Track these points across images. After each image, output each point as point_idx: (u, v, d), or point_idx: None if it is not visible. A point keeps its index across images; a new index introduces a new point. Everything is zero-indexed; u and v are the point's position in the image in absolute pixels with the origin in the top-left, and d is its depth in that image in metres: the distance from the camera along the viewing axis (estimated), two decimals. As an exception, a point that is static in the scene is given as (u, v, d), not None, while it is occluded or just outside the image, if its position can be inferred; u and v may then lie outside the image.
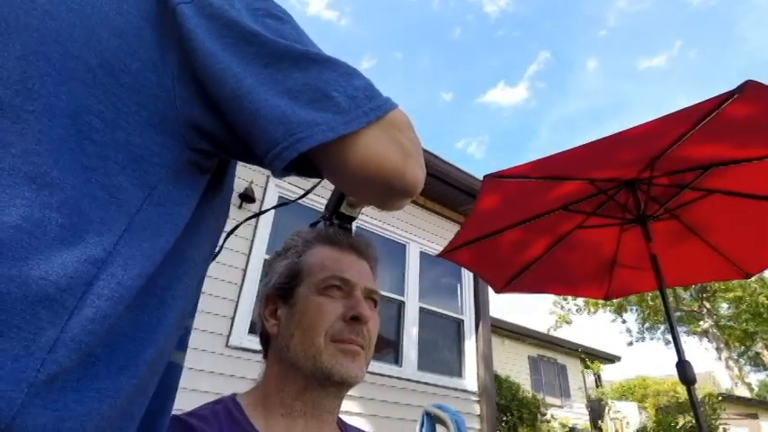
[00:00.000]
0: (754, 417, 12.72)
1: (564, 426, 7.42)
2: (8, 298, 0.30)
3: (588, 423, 11.27)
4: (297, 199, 0.84)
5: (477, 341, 5.13)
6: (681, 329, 18.15)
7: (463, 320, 5.20)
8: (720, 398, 6.60)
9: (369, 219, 4.71)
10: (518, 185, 2.36)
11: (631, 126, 1.83)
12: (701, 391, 9.20)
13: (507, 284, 3.09)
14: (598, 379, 13.32)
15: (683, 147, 2.08)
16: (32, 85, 0.35)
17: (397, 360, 4.44)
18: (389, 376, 4.22)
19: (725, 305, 17.67)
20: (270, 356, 0.72)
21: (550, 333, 14.29)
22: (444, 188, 5.28)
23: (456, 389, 4.72)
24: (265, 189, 4.12)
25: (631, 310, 19.21)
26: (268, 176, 4.18)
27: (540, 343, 12.13)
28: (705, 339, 18.44)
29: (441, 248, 2.91)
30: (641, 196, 2.43)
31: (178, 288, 0.43)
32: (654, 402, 10.62)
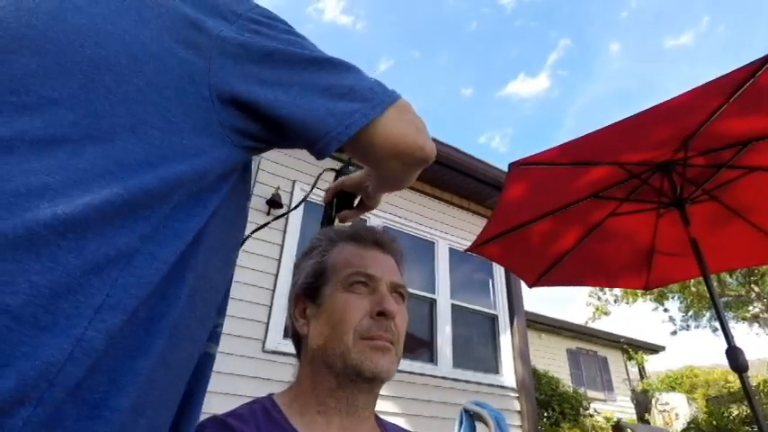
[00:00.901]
0: (815, 404, 12.03)
1: (609, 420, 7.20)
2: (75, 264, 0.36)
3: (634, 417, 10.91)
4: (306, 195, 0.97)
5: (512, 336, 5.05)
6: (728, 316, 17.31)
7: (497, 316, 5.13)
8: (776, 386, 6.27)
9: (395, 217, 4.71)
10: (545, 173, 2.29)
11: (661, 102, 1.75)
12: (754, 378, 8.76)
13: (540, 278, 3.02)
14: (642, 370, 12.88)
15: (718, 122, 1.97)
16: (96, 107, 0.42)
17: (431, 358, 4.42)
18: (425, 375, 4.20)
19: (775, 288, 16.75)
20: (302, 356, 0.73)
21: (588, 325, 13.90)
22: (469, 182, 5.23)
23: (493, 385, 4.66)
24: (291, 194, 4.19)
25: (673, 297, 18.42)
26: (294, 182, 4.24)
27: (578, 335, 11.84)
28: (756, 325, 17.53)
29: (469, 243, 2.87)
30: (677, 179, 2.33)
31: (196, 267, 0.47)
32: (704, 393, 10.20)
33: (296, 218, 4.12)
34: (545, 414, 6.23)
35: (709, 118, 1.95)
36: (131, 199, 0.40)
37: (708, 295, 17.02)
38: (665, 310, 18.79)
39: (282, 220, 4.04)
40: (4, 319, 0.33)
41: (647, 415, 10.21)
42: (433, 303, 4.66)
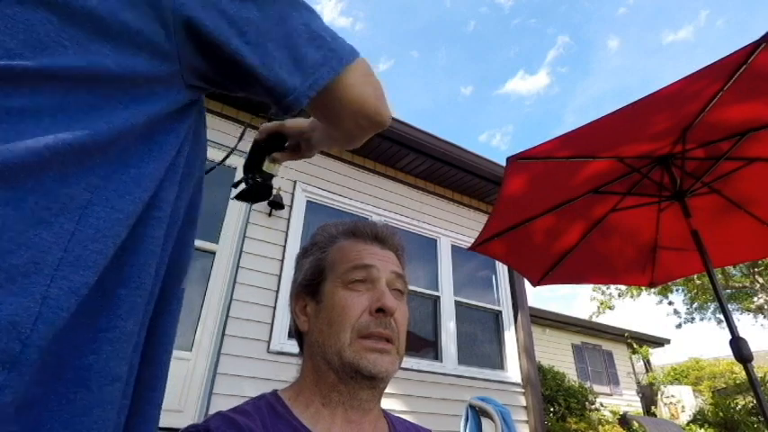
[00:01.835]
0: (822, 394, 12.00)
1: (615, 413, 7.20)
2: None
3: (640, 410, 10.90)
4: (223, 159, 0.84)
5: (516, 332, 5.06)
6: (733, 307, 17.21)
7: (501, 312, 5.14)
8: (782, 376, 6.26)
9: (397, 215, 4.72)
10: (544, 167, 2.27)
11: (657, 89, 1.73)
12: (759, 369, 8.74)
13: (544, 277, 3.01)
14: (647, 364, 12.86)
15: (715, 111, 1.96)
16: (39, 33, 0.38)
17: (436, 356, 4.43)
18: (430, 372, 4.21)
19: (779, 278, 16.66)
20: (304, 352, 0.73)
21: (593, 319, 13.88)
22: (470, 179, 5.23)
23: (499, 381, 4.67)
24: (293, 195, 4.20)
25: (677, 290, 18.35)
26: (295, 182, 4.25)
27: (582, 330, 11.82)
28: (761, 316, 17.46)
29: (472, 240, 2.86)
30: (676, 172, 2.33)
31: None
32: (709, 385, 10.18)
33: (298, 218, 4.14)
34: (551, 409, 6.23)
35: (706, 106, 1.94)
36: (77, 146, 0.36)
37: (711, 287, 16.91)
38: (670, 303, 18.71)
39: (284, 221, 4.05)
40: None
41: (653, 408, 10.20)
42: (436, 301, 4.67)
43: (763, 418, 5.03)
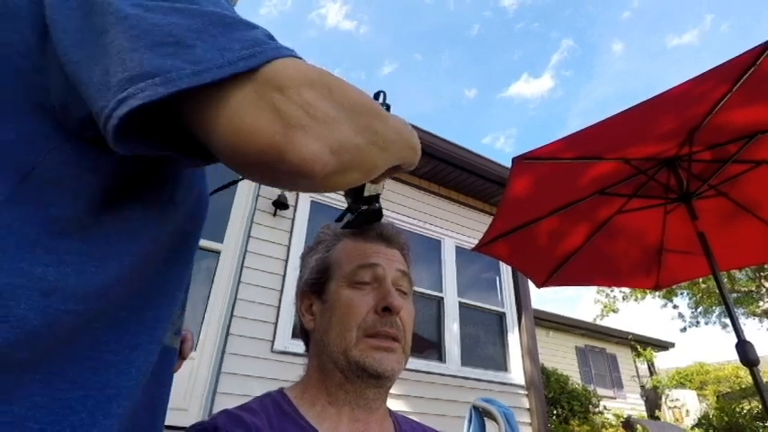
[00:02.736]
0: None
1: (618, 417, 7.16)
2: None
3: (644, 414, 10.84)
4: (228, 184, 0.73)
5: (520, 334, 5.04)
6: (738, 311, 17.06)
7: (505, 313, 5.12)
8: (788, 381, 6.20)
9: (401, 216, 4.72)
10: (549, 168, 2.26)
11: (664, 90, 1.73)
12: (765, 373, 8.66)
13: (549, 278, 3.00)
14: (651, 367, 12.79)
15: (723, 113, 1.95)
16: None
17: (440, 357, 4.43)
18: (433, 373, 4.21)
19: (786, 283, 16.52)
20: (310, 350, 0.73)
21: (596, 322, 13.82)
22: (474, 180, 5.23)
23: (502, 383, 4.66)
24: (297, 195, 4.21)
25: (682, 294, 18.23)
26: (300, 183, 4.25)
27: (586, 333, 11.78)
28: (766, 320, 17.32)
29: (476, 242, 2.86)
30: (683, 174, 2.32)
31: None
32: (714, 389, 10.12)
33: (302, 218, 4.15)
34: (554, 412, 6.21)
35: (713, 109, 1.93)
36: None
37: (717, 291, 16.84)
38: (675, 306, 18.57)
39: (288, 221, 4.06)
40: None
41: (657, 412, 10.15)
42: (440, 302, 4.67)
43: (768, 423, 5.00)
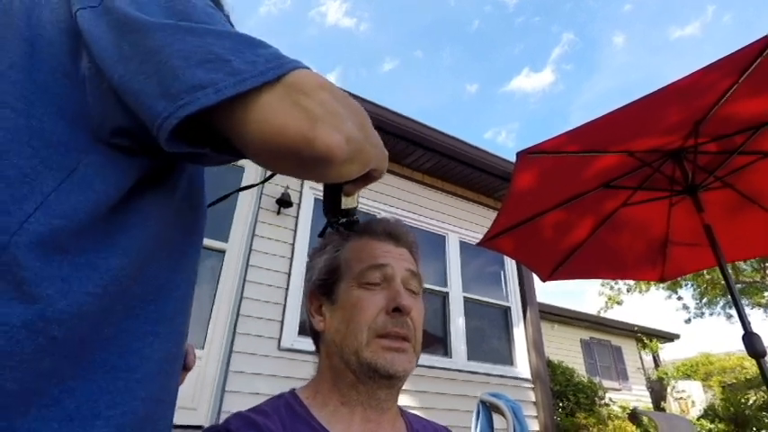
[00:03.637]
0: (835, 389, 11.85)
1: (624, 408, 7.18)
2: None
3: (650, 405, 10.86)
4: (256, 184, 0.79)
5: (525, 327, 5.05)
6: (743, 302, 17.01)
7: (510, 308, 5.13)
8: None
9: (404, 212, 4.72)
10: (554, 161, 2.25)
11: (669, 82, 1.72)
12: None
13: (554, 272, 3.00)
14: (656, 359, 12.79)
15: (728, 105, 1.93)
16: None
17: (446, 352, 4.44)
18: (439, 368, 4.23)
19: (791, 273, 16.47)
20: (321, 351, 0.73)
21: (601, 315, 13.82)
22: (477, 174, 5.22)
23: (508, 377, 4.67)
24: (301, 193, 4.21)
25: (686, 285, 18.19)
26: (302, 180, 4.26)
27: (591, 325, 11.78)
28: (772, 311, 17.27)
29: (480, 236, 2.86)
30: (688, 166, 2.31)
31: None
32: (719, 380, 10.11)
33: (306, 216, 4.15)
34: (560, 404, 6.23)
35: (719, 100, 1.92)
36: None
37: (722, 282, 16.81)
38: (679, 298, 18.51)
39: (293, 219, 4.07)
40: None
41: (662, 403, 10.16)
42: (445, 297, 4.68)
43: (775, 413, 5.00)
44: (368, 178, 0.65)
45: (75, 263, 0.39)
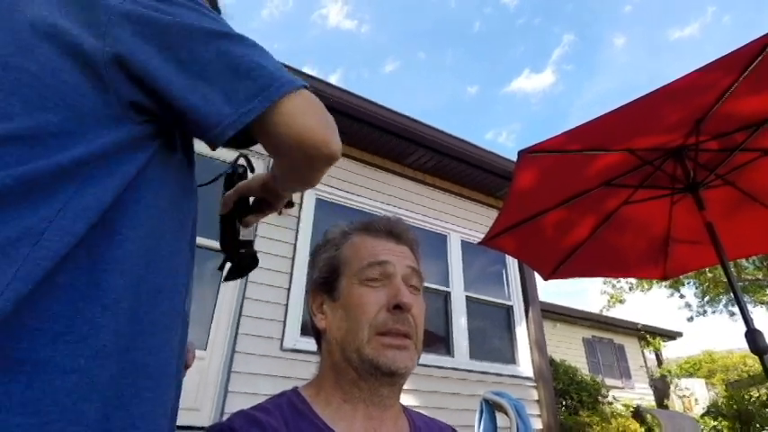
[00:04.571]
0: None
1: (628, 407, 7.17)
2: None
3: (653, 403, 10.85)
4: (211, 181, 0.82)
5: (528, 326, 5.05)
6: (745, 299, 16.91)
7: (512, 306, 5.13)
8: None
9: (406, 211, 4.72)
10: (555, 160, 2.26)
11: (669, 81, 1.72)
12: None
13: (555, 270, 3.00)
14: (659, 357, 12.78)
15: (729, 102, 1.94)
16: None
17: (448, 351, 4.45)
18: (442, 367, 4.23)
19: (793, 270, 16.45)
20: (323, 349, 0.73)
21: (603, 313, 13.80)
22: (478, 173, 5.22)
23: (511, 375, 4.67)
24: (303, 193, 4.22)
25: (689, 283, 18.17)
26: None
27: (593, 324, 11.78)
28: (774, 308, 17.24)
29: (481, 236, 2.86)
30: (689, 164, 2.31)
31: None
32: (722, 377, 10.11)
33: (308, 216, 4.16)
34: (563, 403, 6.23)
35: (720, 98, 1.92)
36: (18, 185, 0.41)
37: (724, 280, 16.79)
38: (681, 296, 18.50)
39: (294, 219, 4.08)
40: None
41: (666, 401, 10.16)
42: (447, 296, 4.68)
43: (778, 411, 5.00)
44: (268, 208, 0.77)
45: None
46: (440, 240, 4.95)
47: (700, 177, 2.32)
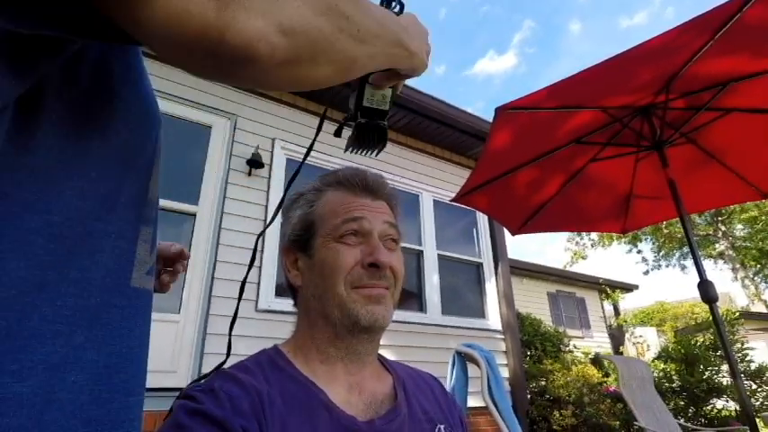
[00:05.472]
0: (772, 330, 12.98)
1: (587, 354, 7.67)
2: None
3: (610, 350, 11.63)
4: None
5: (497, 282, 5.23)
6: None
7: (482, 263, 5.28)
8: (738, 314, 6.74)
9: (379, 172, 4.68)
10: (530, 118, 2.28)
11: (645, 40, 1.73)
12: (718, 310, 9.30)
13: (523, 225, 3.09)
14: (617, 308, 13.59)
15: (701, 62, 1.98)
16: None
17: (421, 307, 4.57)
18: (415, 323, 4.36)
19: (740, 226, 17.59)
20: (299, 307, 0.72)
21: (567, 269, 14.45)
22: (451, 132, 5.20)
23: (481, 329, 4.87)
24: (272, 153, 4.11)
25: (646, 240, 19.23)
26: (273, 140, 4.15)
27: (558, 279, 12.31)
28: (721, 261, 18.52)
29: (453, 195, 2.89)
30: (656, 122, 2.37)
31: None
32: (672, 325, 10.88)
33: (278, 177, 4.08)
34: (528, 352, 6.59)
35: (692, 58, 1.95)
36: None
37: (678, 236, 17.78)
38: (639, 251, 19.65)
39: (265, 180, 3.99)
40: None
41: (621, 348, 10.90)
42: (419, 255, 4.76)
43: (719, 353, 5.46)
44: (394, 75, 0.55)
45: None
46: (412, 200, 4.98)
47: (665, 136, 2.39)
